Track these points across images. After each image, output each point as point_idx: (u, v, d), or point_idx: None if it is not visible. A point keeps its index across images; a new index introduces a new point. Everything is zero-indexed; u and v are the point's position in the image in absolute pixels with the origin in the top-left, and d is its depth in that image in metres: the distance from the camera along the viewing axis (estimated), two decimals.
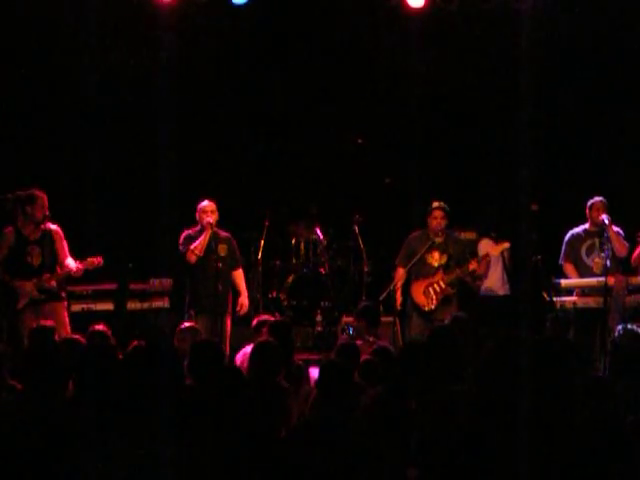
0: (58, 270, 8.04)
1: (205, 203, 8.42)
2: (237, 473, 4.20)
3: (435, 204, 8.59)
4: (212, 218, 8.31)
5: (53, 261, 8.07)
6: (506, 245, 8.70)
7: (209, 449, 3.93)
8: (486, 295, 9.57)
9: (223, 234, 8.53)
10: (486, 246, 9.28)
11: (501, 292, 9.88)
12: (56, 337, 6.42)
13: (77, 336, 5.74)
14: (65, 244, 8.14)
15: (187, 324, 6.90)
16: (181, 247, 8.38)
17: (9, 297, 7.92)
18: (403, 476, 4.10)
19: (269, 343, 5.43)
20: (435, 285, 8.49)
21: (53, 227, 8.15)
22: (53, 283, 8.01)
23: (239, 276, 8.54)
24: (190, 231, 8.45)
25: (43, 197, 8.04)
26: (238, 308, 8.42)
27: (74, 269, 7.98)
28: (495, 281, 9.78)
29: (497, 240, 9.21)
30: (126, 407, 3.93)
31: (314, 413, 4.97)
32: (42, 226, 8.06)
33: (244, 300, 8.46)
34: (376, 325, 7.74)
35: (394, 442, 4.31)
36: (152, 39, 9.75)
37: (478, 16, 9.94)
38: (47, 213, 8.04)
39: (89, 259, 8.01)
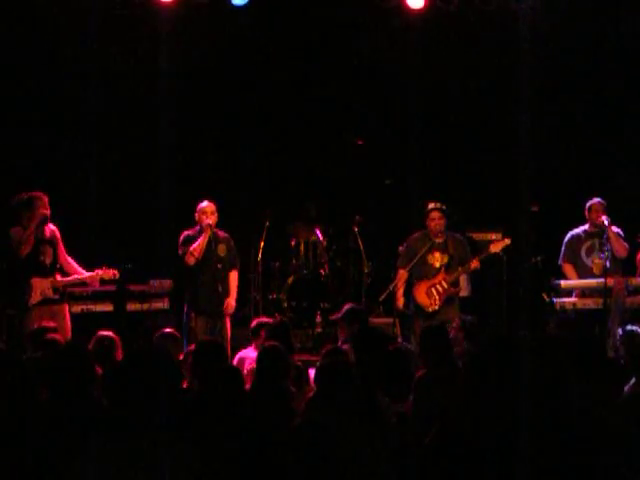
0: (69, 272, 8.10)
1: (205, 204, 8.36)
2: (238, 474, 4.19)
3: (431, 205, 8.54)
4: (211, 219, 8.27)
5: (58, 261, 8.09)
6: (507, 242, 8.67)
7: (210, 451, 3.92)
8: None
9: (222, 235, 8.49)
10: None
11: (465, 294, 9.81)
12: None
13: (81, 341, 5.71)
14: (62, 244, 8.19)
15: (167, 330, 6.54)
16: (180, 249, 8.36)
17: (20, 294, 7.92)
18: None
19: (274, 347, 5.33)
20: (438, 286, 8.46)
21: (53, 227, 8.17)
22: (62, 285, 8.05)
23: (233, 277, 8.47)
24: (190, 232, 8.41)
25: (42, 198, 8.06)
26: (224, 306, 8.28)
27: (88, 278, 8.07)
28: (462, 283, 9.71)
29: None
30: (125, 408, 3.93)
31: (312, 414, 4.95)
32: (47, 227, 8.08)
33: (231, 301, 8.36)
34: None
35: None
36: (152, 40, 9.75)
37: (478, 17, 9.94)
38: (48, 214, 8.08)
39: (104, 269, 8.10)
